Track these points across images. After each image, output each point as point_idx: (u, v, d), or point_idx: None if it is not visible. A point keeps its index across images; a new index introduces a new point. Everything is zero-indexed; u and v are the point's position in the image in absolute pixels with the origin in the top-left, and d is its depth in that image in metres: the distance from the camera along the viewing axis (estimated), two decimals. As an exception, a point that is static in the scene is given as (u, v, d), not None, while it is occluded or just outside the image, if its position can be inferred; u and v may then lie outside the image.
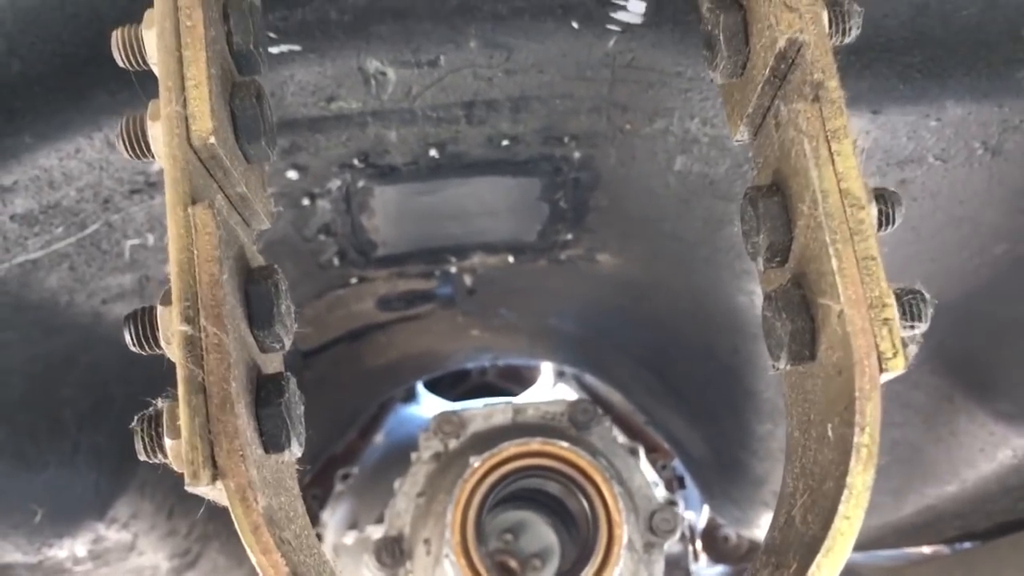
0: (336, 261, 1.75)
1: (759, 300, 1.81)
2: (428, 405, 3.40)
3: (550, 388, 3.41)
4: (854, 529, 0.48)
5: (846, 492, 0.47)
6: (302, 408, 0.57)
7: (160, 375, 1.78)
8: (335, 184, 1.46)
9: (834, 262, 0.50)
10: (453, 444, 1.56)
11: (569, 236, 1.77)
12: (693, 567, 2.96)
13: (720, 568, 3.31)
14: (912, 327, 0.55)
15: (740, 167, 1.42)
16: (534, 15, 1.14)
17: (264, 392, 0.53)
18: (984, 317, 1.75)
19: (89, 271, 1.43)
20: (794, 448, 0.58)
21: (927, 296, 0.56)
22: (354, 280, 1.92)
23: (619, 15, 1.15)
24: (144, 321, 0.55)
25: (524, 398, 3.38)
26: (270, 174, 1.39)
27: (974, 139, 1.28)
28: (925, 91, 1.20)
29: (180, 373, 0.49)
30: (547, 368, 3.46)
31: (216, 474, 0.48)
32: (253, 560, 0.52)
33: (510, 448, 1.38)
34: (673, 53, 1.20)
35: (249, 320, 0.54)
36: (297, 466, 0.60)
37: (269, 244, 1.62)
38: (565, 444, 1.40)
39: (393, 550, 1.51)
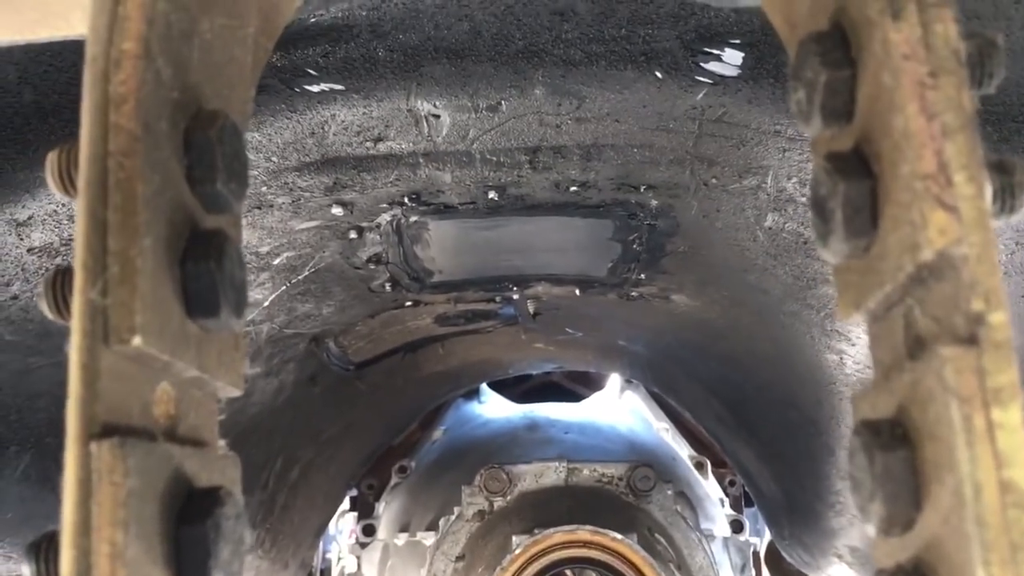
0: (388, 287, 1.63)
1: (850, 360, 1.63)
2: (491, 404, 3.29)
3: (617, 396, 3.27)
4: None
5: None
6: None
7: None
8: (385, 219, 1.33)
9: (984, 599, 0.35)
10: (499, 503, 1.43)
11: (642, 276, 1.61)
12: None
13: (785, 588, 3.15)
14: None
15: (841, 229, 1.24)
16: (611, 62, 0.98)
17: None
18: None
19: (120, 297, 1.33)
20: None
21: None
22: (409, 303, 1.80)
23: (711, 66, 0.98)
24: (48, 557, 0.43)
25: (588, 404, 3.25)
26: (312, 210, 1.27)
27: None
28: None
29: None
30: (615, 375, 3.32)
31: None
32: None
33: (556, 535, 1.24)
34: (772, 111, 1.02)
35: (178, 574, 0.41)
36: None
37: (317, 271, 1.50)
38: (618, 536, 1.26)
39: (428, 616, 1.40)
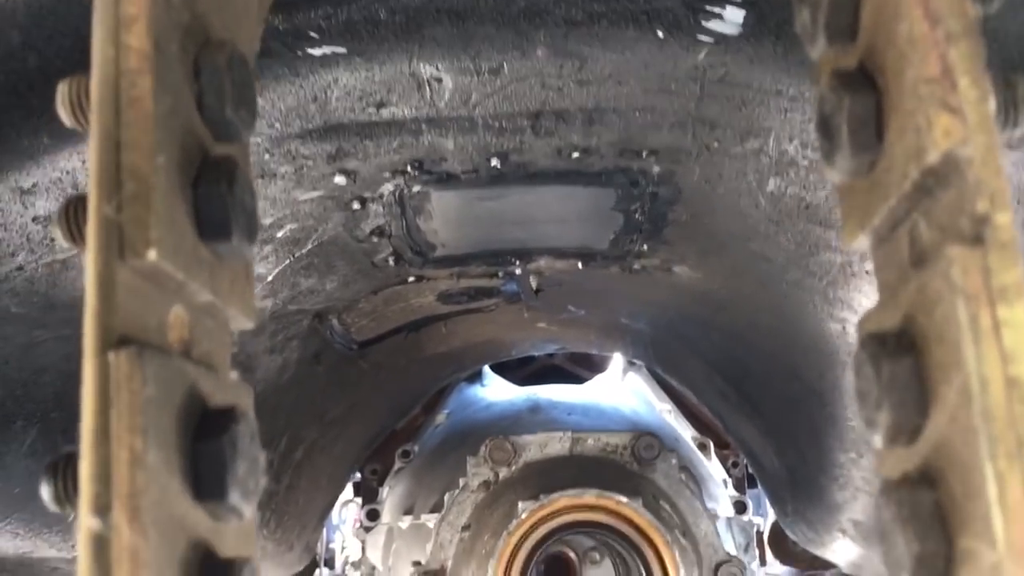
0: (391, 261, 1.63)
1: (852, 328, 1.64)
2: (494, 387, 3.30)
3: (620, 378, 3.27)
4: None
5: None
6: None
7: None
8: (387, 189, 1.33)
9: (991, 489, 0.35)
10: (504, 473, 1.44)
11: (644, 247, 1.61)
12: (760, 573, 2.82)
13: (788, 570, 3.17)
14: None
15: (842, 192, 1.24)
16: (613, 22, 0.99)
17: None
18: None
19: (124, 270, 1.33)
20: None
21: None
22: (412, 279, 1.80)
23: (712, 24, 0.99)
24: (66, 475, 0.44)
25: (590, 385, 3.26)
26: (315, 179, 1.27)
27: None
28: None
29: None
30: (618, 356, 3.32)
31: None
32: None
33: (561, 500, 1.25)
34: (774, 70, 1.03)
35: (195, 488, 0.42)
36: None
37: (320, 244, 1.51)
38: (624, 499, 1.27)
39: (434, 585, 1.41)
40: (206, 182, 0.45)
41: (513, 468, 1.46)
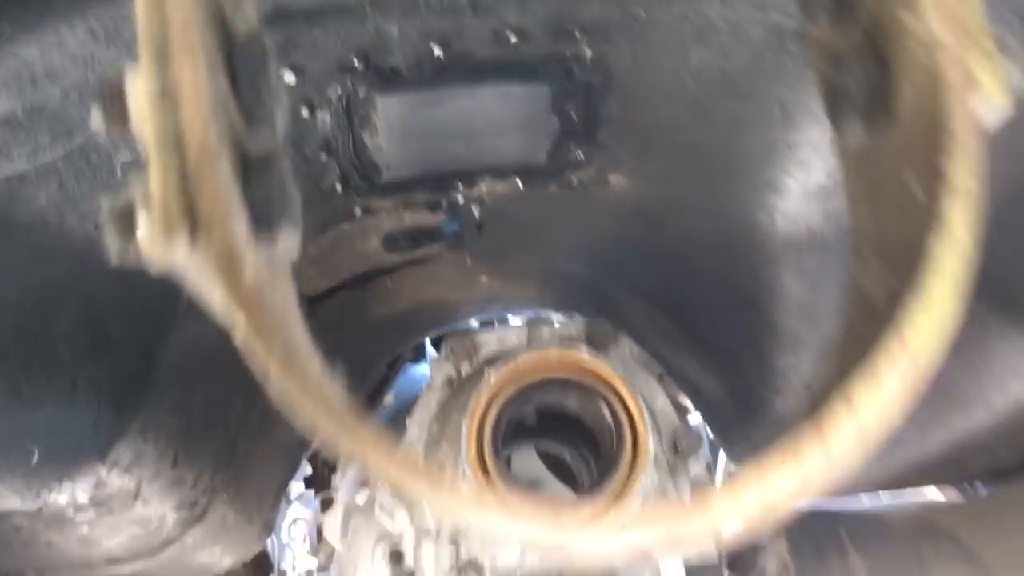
0: (339, 187, 1.68)
1: (779, 216, 1.74)
2: (437, 365, 3.34)
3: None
4: (954, 282, 0.41)
5: (941, 230, 0.40)
6: (297, 195, 0.50)
7: (158, 312, 1.68)
8: (335, 92, 1.39)
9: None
10: (466, 368, 1.49)
11: (580, 155, 1.69)
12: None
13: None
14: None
15: (761, 60, 1.34)
16: None
17: (249, 172, 0.46)
18: (1020, 230, 1.67)
19: (80, 189, 1.36)
20: (862, 239, 0.51)
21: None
22: (358, 212, 1.85)
23: None
24: (115, 92, 0.48)
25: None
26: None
27: None
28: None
29: (151, 126, 0.41)
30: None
31: (195, 228, 0.41)
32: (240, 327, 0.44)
33: (527, 357, 1.31)
34: (691, -79, 1.12)
35: (232, 89, 0.47)
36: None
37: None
38: (585, 354, 1.34)
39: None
40: None
41: (475, 362, 1.51)
